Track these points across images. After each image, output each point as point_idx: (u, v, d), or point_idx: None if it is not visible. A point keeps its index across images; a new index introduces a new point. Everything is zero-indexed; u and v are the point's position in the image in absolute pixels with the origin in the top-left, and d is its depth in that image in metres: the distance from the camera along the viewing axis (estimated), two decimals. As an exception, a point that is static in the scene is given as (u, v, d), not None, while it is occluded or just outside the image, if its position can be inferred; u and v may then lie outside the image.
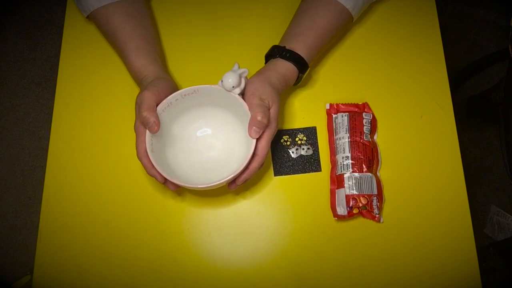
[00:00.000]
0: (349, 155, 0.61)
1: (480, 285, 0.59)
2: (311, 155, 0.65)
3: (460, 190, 0.63)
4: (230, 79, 0.58)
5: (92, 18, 0.67)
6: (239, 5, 0.74)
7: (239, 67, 0.60)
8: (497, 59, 1.44)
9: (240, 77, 0.58)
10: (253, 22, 0.73)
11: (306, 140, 0.66)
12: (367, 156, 0.61)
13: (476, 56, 1.46)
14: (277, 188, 0.64)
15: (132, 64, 0.62)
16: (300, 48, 0.62)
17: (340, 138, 0.63)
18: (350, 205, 0.59)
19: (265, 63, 0.65)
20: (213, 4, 0.74)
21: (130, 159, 0.65)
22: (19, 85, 1.53)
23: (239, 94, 0.59)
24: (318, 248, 0.61)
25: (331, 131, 0.65)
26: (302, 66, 0.62)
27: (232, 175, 0.55)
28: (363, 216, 0.61)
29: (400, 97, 0.68)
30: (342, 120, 0.64)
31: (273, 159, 0.65)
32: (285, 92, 0.68)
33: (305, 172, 0.64)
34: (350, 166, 0.61)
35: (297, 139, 0.66)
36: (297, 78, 0.63)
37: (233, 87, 0.58)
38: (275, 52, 0.62)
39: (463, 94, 1.43)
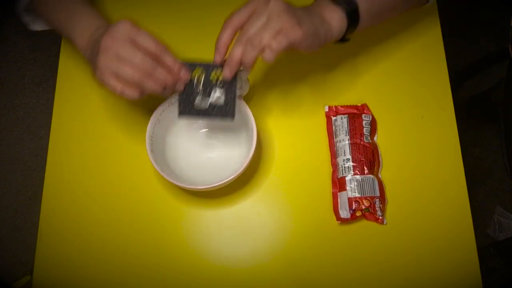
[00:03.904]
0: (350, 157, 0.61)
1: (480, 285, 0.59)
2: (222, 105, 0.54)
3: (460, 190, 0.63)
4: (231, 79, 0.57)
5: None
6: (240, 5, 0.74)
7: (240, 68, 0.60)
8: (497, 59, 1.44)
9: (240, 78, 0.58)
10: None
11: (222, 81, 0.53)
12: (368, 158, 0.61)
13: (476, 56, 1.46)
14: (278, 189, 0.64)
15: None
16: None
17: (340, 141, 0.63)
18: (353, 208, 0.59)
19: None
20: (213, 4, 0.74)
21: (130, 159, 0.65)
22: (19, 85, 1.53)
23: (239, 95, 0.59)
24: (320, 250, 0.61)
25: (331, 133, 0.65)
26: (353, 16, 0.52)
27: (232, 176, 0.55)
28: (366, 218, 0.60)
29: (400, 98, 0.68)
30: (341, 122, 0.64)
31: (179, 97, 0.54)
32: (283, 92, 0.68)
33: (211, 116, 0.54)
34: (351, 168, 0.61)
35: (212, 76, 0.53)
36: (343, 36, 0.53)
37: (233, 87, 0.58)
38: None
39: (463, 94, 1.43)
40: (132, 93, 0.49)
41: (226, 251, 0.61)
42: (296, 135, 0.66)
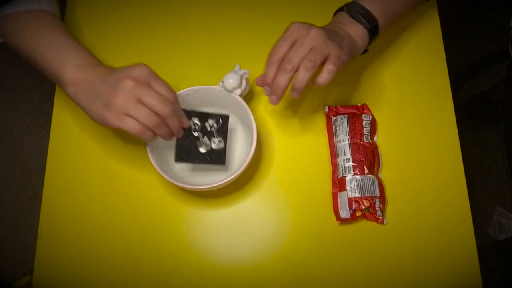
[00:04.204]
0: (350, 157, 0.61)
1: (480, 285, 0.59)
2: (222, 149, 0.58)
3: (460, 190, 0.63)
4: (231, 80, 0.58)
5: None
6: (240, 4, 0.74)
7: (240, 68, 0.60)
8: (497, 59, 1.44)
9: (241, 78, 0.58)
10: (255, 22, 0.73)
11: (216, 129, 0.58)
12: (368, 158, 0.61)
13: (476, 56, 1.46)
14: (278, 189, 0.64)
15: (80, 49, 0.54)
16: (374, 8, 0.55)
17: (340, 141, 0.63)
18: (353, 208, 0.59)
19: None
20: (214, 4, 0.74)
21: (130, 159, 0.65)
22: (19, 85, 1.53)
23: (240, 95, 0.59)
24: (320, 250, 0.61)
25: (331, 133, 0.65)
26: (374, 31, 0.55)
27: (232, 176, 0.55)
28: (366, 218, 0.60)
29: (400, 98, 0.68)
30: (341, 122, 0.64)
31: (177, 142, 0.57)
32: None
33: (205, 162, 0.58)
34: (352, 168, 0.61)
35: (207, 124, 0.58)
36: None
37: (234, 88, 0.58)
38: (348, 8, 0.55)
39: (463, 94, 1.43)
40: (150, 135, 0.51)
41: (226, 251, 0.61)
42: (296, 135, 0.66)
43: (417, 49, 0.70)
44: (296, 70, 0.50)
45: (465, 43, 1.51)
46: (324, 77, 0.50)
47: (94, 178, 0.65)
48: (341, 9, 0.58)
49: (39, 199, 0.63)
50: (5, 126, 1.49)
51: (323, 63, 0.51)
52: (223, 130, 0.59)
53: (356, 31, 0.55)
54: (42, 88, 1.52)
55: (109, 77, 0.51)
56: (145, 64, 0.51)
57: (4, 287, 1.18)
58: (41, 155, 1.45)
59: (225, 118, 0.59)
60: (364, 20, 0.55)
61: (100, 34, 0.71)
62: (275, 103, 0.54)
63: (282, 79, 0.51)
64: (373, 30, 0.56)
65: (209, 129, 0.58)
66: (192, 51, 0.71)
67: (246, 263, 0.61)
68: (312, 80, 0.52)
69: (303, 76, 0.50)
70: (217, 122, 0.59)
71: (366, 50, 0.59)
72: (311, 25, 0.51)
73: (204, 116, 0.58)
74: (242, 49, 0.71)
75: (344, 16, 0.56)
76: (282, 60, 0.51)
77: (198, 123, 0.57)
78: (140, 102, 0.49)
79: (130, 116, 0.49)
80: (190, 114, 0.57)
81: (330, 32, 0.52)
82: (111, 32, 0.72)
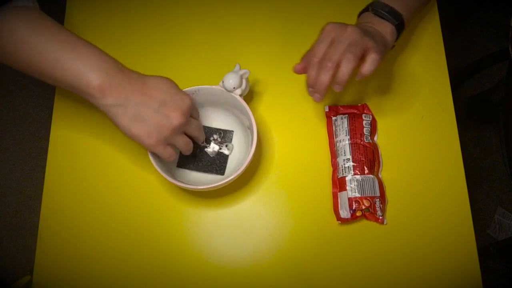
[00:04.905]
0: (350, 157, 0.61)
1: (480, 285, 0.59)
2: (223, 159, 0.62)
3: (461, 190, 0.63)
4: (231, 80, 0.58)
5: None
6: (240, 4, 0.74)
7: (240, 68, 0.60)
8: (497, 59, 1.43)
9: (241, 78, 0.58)
10: (255, 22, 0.73)
11: (219, 142, 0.63)
12: (368, 158, 0.61)
13: (476, 56, 1.46)
14: (278, 189, 0.64)
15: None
16: (397, 4, 0.57)
17: (340, 141, 0.63)
18: (353, 208, 0.59)
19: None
20: (214, 4, 0.74)
21: (130, 159, 0.65)
22: (19, 85, 1.53)
23: (240, 95, 0.59)
24: (320, 250, 0.61)
25: (331, 133, 0.65)
26: (400, 26, 0.57)
27: (232, 176, 0.55)
28: (367, 218, 0.60)
29: (400, 98, 0.68)
30: (341, 122, 0.64)
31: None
32: (284, 92, 0.68)
33: (204, 171, 0.62)
34: (352, 168, 0.61)
35: (211, 138, 0.63)
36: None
37: (234, 88, 0.58)
38: (373, 8, 0.57)
39: (463, 94, 1.43)
40: (174, 156, 0.53)
41: (226, 251, 0.61)
42: (296, 135, 0.66)
43: (417, 49, 0.70)
44: (338, 66, 0.51)
45: (465, 43, 1.51)
46: (367, 66, 0.51)
47: (94, 178, 0.65)
48: (365, 10, 0.59)
49: (39, 199, 0.63)
50: (5, 126, 1.49)
51: (362, 57, 0.52)
52: (227, 142, 0.63)
53: (385, 28, 0.57)
54: (42, 88, 1.52)
55: (153, 103, 0.48)
56: (187, 96, 0.51)
57: (4, 287, 1.18)
58: (41, 155, 1.45)
59: (230, 133, 0.63)
60: (390, 17, 0.57)
61: (100, 34, 0.71)
62: (319, 100, 0.55)
63: (325, 77, 0.52)
64: (399, 26, 0.58)
65: (211, 142, 0.63)
66: (192, 51, 0.71)
67: (246, 263, 0.61)
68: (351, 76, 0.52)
69: (346, 68, 0.51)
70: (221, 136, 0.63)
71: (393, 47, 0.60)
72: (346, 24, 0.52)
73: (209, 131, 0.63)
74: (242, 49, 0.71)
75: (370, 16, 0.58)
76: (323, 59, 0.52)
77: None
78: (184, 133, 0.53)
79: (171, 145, 0.52)
80: None
81: (366, 31, 0.54)
82: (111, 32, 0.72)
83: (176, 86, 0.52)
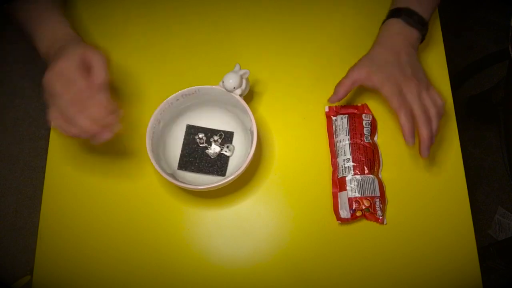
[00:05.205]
0: (350, 157, 0.61)
1: (480, 285, 0.59)
2: (217, 164, 0.63)
3: (461, 190, 0.63)
4: (231, 80, 0.58)
5: None
6: (240, 4, 0.74)
7: (240, 68, 0.60)
8: (497, 59, 1.44)
9: (241, 78, 0.58)
10: (255, 22, 0.73)
11: (220, 143, 0.64)
12: (368, 158, 0.61)
13: (476, 56, 1.46)
14: (278, 189, 0.64)
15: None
16: (422, 10, 0.61)
17: (340, 141, 0.63)
18: (353, 208, 0.59)
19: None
20: (214, 4, 0.74)
21: (130, 159, 0.65)
22: (19, 85, 1.53)
23: (240, 95, 0.59)
24: (320, 250, 0.61)
25: (331, 133, 0.65)
26: (424, 28, 0.61)
27: (232, 176, 0.55)
28: (367, 218, 0.60)
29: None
30: (341, 122, 0.64)
31: (181, 151, 0.63)
32: (284, 92, 0.68)
33: (206, 173, 0.62)
34: (352, 168, 0.61)
35: (212, 140, 0.64)
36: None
37: (234, 88, 0.58)
38: (404, 16, 0.60)
39: (463, 94, 1.43)
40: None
41: (226, 251, 0.61)
42: (296, 135, 0.66)
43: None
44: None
45: (465, 43, 1.51)
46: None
47: (94, 178, 0.65)
48: (393, 15, 0.61)
49: (39, 199, 0.63)
50: (5, 126, 1.49)
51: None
52: (227, 143, 0.63)
53: (413, 35, 0.61)
54: (42, 88, 1.52)
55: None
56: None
57: (4, 287, 1.18)
58: (41, 155, 1.45)
59: (230, 134, 0.63)
60: (420, 26, 0.60)
61: (100, 35, 0.71)
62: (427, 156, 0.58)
63: (425, 132, 0.57)
64: (425, 34, 0.62)
65: (213, 143, 0.63)
66: (192, 51, 0.71)
67: (246, 263, 0.61)
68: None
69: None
70: (222, 138, 0.63)
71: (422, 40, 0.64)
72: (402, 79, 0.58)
73: (209, 132, 0.64)
74: (242, 49, 0.71)
75: (400, 24, 0.61)
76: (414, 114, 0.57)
77: (204, 137, 0.63)
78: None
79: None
80: (196, 130, 0.63)
81: (419, 73, 0.60)
82: (111, 32, 0.72)
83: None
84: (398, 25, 0.61)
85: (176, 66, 0.70)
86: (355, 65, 0.61)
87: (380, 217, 0.60)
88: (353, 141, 0.62)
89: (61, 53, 0.51)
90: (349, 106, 0.66)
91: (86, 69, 0.51)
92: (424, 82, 0.59)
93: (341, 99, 0.61)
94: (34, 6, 0.57)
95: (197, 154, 0.63)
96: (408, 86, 0.57)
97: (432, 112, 0.57)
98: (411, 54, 0.60)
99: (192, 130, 0.64)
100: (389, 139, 0.65)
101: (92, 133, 0.51)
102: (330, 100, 0.61)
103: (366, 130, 0.63)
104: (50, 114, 0.50)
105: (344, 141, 0.63)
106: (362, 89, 0.68)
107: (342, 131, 0.63)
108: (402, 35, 0.60)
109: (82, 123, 0.49)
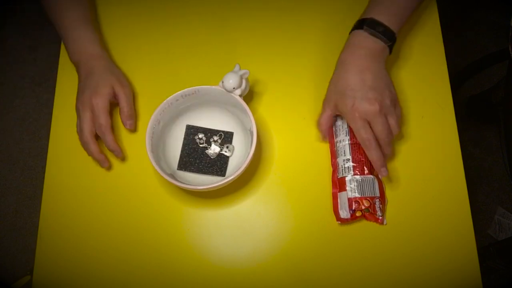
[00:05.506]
0: (350, 157, 0.61)
1: (480, 285, 0.59)
2: (216, 165, 0.63)
3: (460, 190, 0.63)
4: (231, 80, 0.58)
5: None
6: (240, 4, 0.74)
7: (240, 68, 0.60)
8: (497, 59, 1.44)
9: (241, 78, 0.58)
10: (255, 22, 0.73)
11: (220, 143, 0.64)
12: (368, 158, 0.61)
13: (476, 56, 1.46)
14: (278, 189, 0.64)
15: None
16: (390, 20, 0.58)
17: (340, 141, 0.63)
18: (353, 208, 0.59)
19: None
20: (214, 4, 0.74)
21: (130, 159, 0.65)
22: (19, 85, 1.53)
23: (240, 95, 0.59)
24: (320, 251, 0.61)
25: (331, 133, 0.65)
26: (391, 38, 0.59)
27: (232, 176, 0.55)
28: (366, 218, 0.60)
29: (400, 98, 0.67)
30: (341, 122, 0.64)
31: (181, 152, 0.63)
32: (284, 93, 0.68)
33: (205, 173, 0.62)
34: (351, 168, 0.61)
35: (211, 140, 0.64)
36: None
37: (233, 88, 0.58)
38: (367, 27, 0.58)
39: (463, 94, 1.44)
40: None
41: (226, 251, 0.61)
42: (296, 135, 0.66)
43: (417, 49, 0.70)
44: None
45: (465, 43, 1.51)
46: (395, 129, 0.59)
47: (94, 178, 0.65)
48: (358, 27, 0.60)
49: (39, 199, 0.63)
50: (5, 126, 1.49)
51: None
52: (227, 144, 0.63)
53: (377, 46, 0.59)
54: (42, 88, 1.52)
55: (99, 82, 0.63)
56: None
57: (4, 287, 1.18)
58: (41, 155, 1.46)
59: (230, 134, 0.63)
60: (384, 38, 0.58)
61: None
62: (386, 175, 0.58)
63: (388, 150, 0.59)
64: (392, 45, 0.60)
65: (212, 145, 0.63)
66: (192, 51, 0.71)
67: (246, 263, 0.61)
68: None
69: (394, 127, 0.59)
70: (222, 138, 0.63)
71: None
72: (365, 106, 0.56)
73: (209, 132, 0.64)
74: (242, 49, 0.71)
75: (364, 35, 0.59)
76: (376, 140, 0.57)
77: (204, 137, 0.63)
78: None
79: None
80: (196, 130, 0.63)
81: (388, 93, 0.58)
82: (111, 33, 0.72)
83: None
84: (361, 37, 0.59)
85: (176, 66, 0.70)
86: (325, 96, 0.61)
87: (380, 217, 0.60)
88: (353, 141, 0.62)
89: (93, 79, 0.62)
90: (349, 106, 0.66)
91: (114, 99, 0.63)
92: (387, 104, 0.57)
93: (329, 133, 0.63)
94: (67, 14, 0.65)
95: (197, 154, 0.63)
96: (372, 116, 0.56)
97: (389, 139, 0.58)
98: (376, 71, 0.58)
99: (192, 130, 0.64)
100: (389, 139, 0.65)
101: (97, 160, 0.63)
102: (322, 139, 0.64)
103: (366, 130, 0.63)
104: (77, 127, 0.63)
105: (344, 141, 0.63)
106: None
107: (342, 131, 0.63)
108: (365, 49, 0.58)
109: (92, 150, 0.61)
